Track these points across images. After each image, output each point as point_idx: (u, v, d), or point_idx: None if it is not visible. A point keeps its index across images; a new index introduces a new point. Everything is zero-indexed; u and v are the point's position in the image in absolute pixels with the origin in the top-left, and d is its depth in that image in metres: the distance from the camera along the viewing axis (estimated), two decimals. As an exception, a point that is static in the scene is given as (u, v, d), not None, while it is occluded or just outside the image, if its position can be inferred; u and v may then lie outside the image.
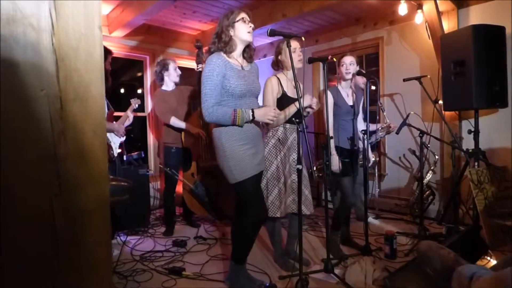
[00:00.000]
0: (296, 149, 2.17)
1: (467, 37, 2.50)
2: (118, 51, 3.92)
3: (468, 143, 2.91)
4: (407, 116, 2.84)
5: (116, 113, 3.13)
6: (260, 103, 2.18)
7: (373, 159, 3.41)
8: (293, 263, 2.30)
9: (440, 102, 3.06)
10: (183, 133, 3.20)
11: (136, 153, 3.46)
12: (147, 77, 4.36)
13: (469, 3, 3.12)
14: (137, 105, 3.21)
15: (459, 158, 3.15)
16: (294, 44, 2.17)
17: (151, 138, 4.34)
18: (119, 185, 1.89)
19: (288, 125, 2.22)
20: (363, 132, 2.46)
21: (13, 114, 0.72)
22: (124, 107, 3.16)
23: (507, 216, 2.25)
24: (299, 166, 1.80)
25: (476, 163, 2.65)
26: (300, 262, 1.88)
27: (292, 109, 2.17)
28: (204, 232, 3.16)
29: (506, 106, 2.69)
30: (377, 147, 3.74)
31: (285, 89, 2.23)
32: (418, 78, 2.78)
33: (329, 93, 2.38)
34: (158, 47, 4.33)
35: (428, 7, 3.05)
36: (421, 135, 2.62)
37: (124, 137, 2.94)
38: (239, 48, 1.92)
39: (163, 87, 3.24)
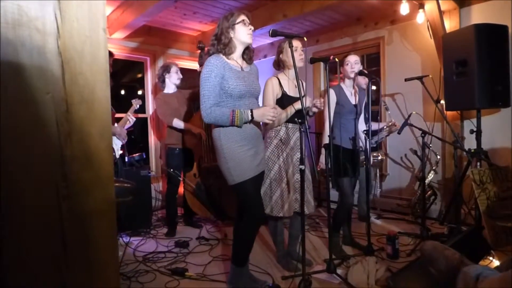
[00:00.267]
0: (300, 149, 2.17)
1: (469, 37, 2.50)
2: (118, 52, 3.92)
3: (470, 143, 2.91)
4: (409, 116, 2.84)
5: (117, 115, 3.13)
6: (261, 104, 2.18)
7: (380, 157, 3.42)
8: (296, 263, 2.31)
9: (442, 102, 3.06)
10: (186, 134, 3.21)
11: (137, 154, 3.46)
12: (148, 78, 4.37)
13: (471, 2, 3.11)
14: (138, 106, 3.22)
15: (461, 158, 3.15)
16: (296, 43, 2.18)
17: (152, 139, 4.35)
18: (122, 186, 1.89)
19: (290, 125, 2.22)
20: (365, 132, 2.46)
21: (20, 118, 0.72)
22: (124, 109, 3.17)
23: (509, 217, 2.24)
24: (302, 167, 1.80)
25: (478, 163, 2.65)
26: (303, 263, 1.88)
27: (292, 108, 2.17)
28: (206, 233, 3.16)
29: (509, 105, 2.68)
30: (379, 147, 3.74)
31: (285, 89, 2.23)
32: (419, 78, 2.78)
33: (331, 91, 2.38)
34: (158, 48, 4.34)
35: (430, 6, 3.04)
36: (423, 135, 2.62)
37: (126, 140, 2.95)
38: (239, 49, 1.92)
39: (165, 90, 3.26)
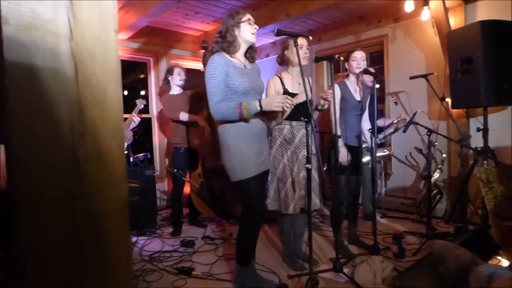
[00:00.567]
0: (305, 146, 2.17)
1: (475, 33, 2.48)
2: (121, 53, 3.94)
3: (476, 141, 2.90)
4: (414, 114, 2.82)
5: (121, 115, 3.14)
6: None
7: (387, 152, 3.42)
8: (301, 262, 2.31)
9: (447, 99, 3.04)
10: (190, 133, 3.23)
11: (142, 154, 3.47)
12: (151, 78, 4.38)
13: (476, -2, 3.10)
14: (142, 106, 3.24)
15: (467, 157, 3.13)
16: (301, 41, 2.18)
17: (156, 140, 4.36)
18: (129, 186, 1.90)
19: (294, 123, 2.22)
20: (370, 130, 2.45)
21: (34, 119, 0.72)
22: (127, 109, 3.18)
23: (516, 217, 2.23)
24: (308, 166, 1.80)
25: (485, 162, 2.64)
26: (310, 261, 1.88)
27: (296, 101, 2.13)
28: (211, 232, 3.17)
29: (515, 103, 2.67)
30: (385, 144, 3.73)
31: (288, 87, 2.24)
32: (424, 76, 2.76)
33: (336, 86, 2.38)
34: (161, 48, 4.35)
35: (435, 3, 3.03)
36: (428, 133, 2.61)
37: (131, 140, 2.97)
38: (242, 48, 1.92)
39: (170, 92, 3.32)
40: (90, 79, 0.80)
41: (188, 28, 4.30)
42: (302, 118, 1.84)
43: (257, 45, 1.99)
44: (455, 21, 3.13)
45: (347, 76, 2.54)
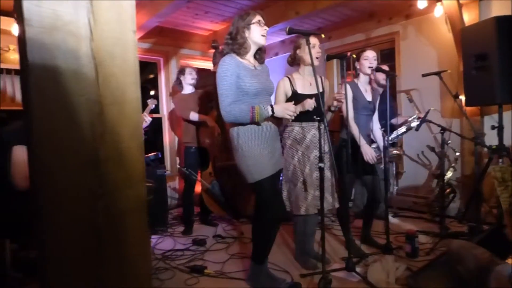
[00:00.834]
0: (317, 146, 2.16)
1: (490, 30, 2.43)
2: (133, 53, 3.97)
3: (490, 139, 2.84)
4: (427, 112, 2.78)
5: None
6: (273, 103, 2.18)
7: (396, 152, 3.39)
8: (314, 261, 2.31)
9: (461, 97, 2.99)
10: (200, 133, 3.25)
11: (153, 154, 3.51)
12: (161, 78, 4.41)
13: (490, -6, 3.04)
14: (154, 106, 3.27)
15: (481, 155, 3.08)
16: (313, 40, 2.16)
17: (167, 139, 4.40)
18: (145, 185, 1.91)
19: (304, 124, 2.21)
20: (383, 129, 2.43)
21: (57, 121, 0.74)
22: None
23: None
24: (321, 165, 1.79)
25: (500, 160, 2.59)
26: (323, 260, 1.88)
27: (299, 108, 2.12)
28: (222, 231, 3.18)
29: (531, 100, 2.60)
30: (396, 144, 3.69)
31: (298, 87, 2.22)
32: (438, 73, 2.72)
33: (348, 86, 2.36)
34: (171, 48, 4.37)
35: (449, -1, 2.98)
36: (442, 131, 2.57)
37: (142, 139, 2.99)
38: (252, 49, 1.93)
39: (182, 91, 3.36)
40: (109, 80, 0.81)
41: (197, 27, 4.32)
42: (314, 117, 1.83)
43: (266, 44, 1.98)
44: (469, 17, 3.07)
45: (357, 76, 2.51)
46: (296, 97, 2.16)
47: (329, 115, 2.35)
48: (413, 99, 3.50)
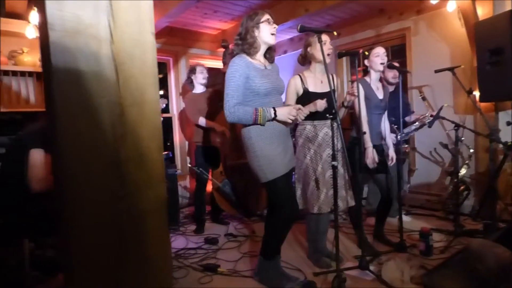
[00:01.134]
0: (329, 144, 2.15)
1: (505, 24, 2.38)
2: (143, 53, 4.00)
3: (505, 135, 2.79)
4: (440, 108, 2.74)
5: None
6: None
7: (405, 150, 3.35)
8: (326, 260, 2.30)
9: (475, 93, 2.94)
10: (211, 132, 3.26)
11: (164, 153, 3.53)
12: (171, 78, 4.44)
13: (504, -12, 2.97)
14: (164, 105, 3.29)
15: (496, 152, 3.02)
16: (324, 37, 2.14)
17: (177, 138, 4.43)
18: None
19: (316, 122, 2.19)
20: (396, 127, 2.40)
21: (79, 123, 0.75)
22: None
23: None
24: (335, 163, 1.78)
25: (516, 156, 2.54)
26: (337, 259, 1.87)
27: (310, 109, 2.09)
28: (233, 230, 3.20)
29: (548, 95, 2.54)
30: (408, 141, 3.65)
31: (309, 85, 2.21)
32: (451, 69, 2.67)
33: (359, 85, 2.33)
34: (180, 48, 4.39)
35: (461, -7, 2.93)
36: (456, 128, 2.53)
37: None
38: (262, 49, 1.93)
39: (194, 90, 3.36)
40: (129, 82, 0.82)
41: (206, 27, 4.33)
42: (327, 115, 1.82)
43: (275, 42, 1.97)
44: (483, 12, 3.00)
45: (368, 73, 2.48)
46: (307, 96, 2.15)
47: (342, 111, 2.33)
48: (426, 97, 3.45)
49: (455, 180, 2.74)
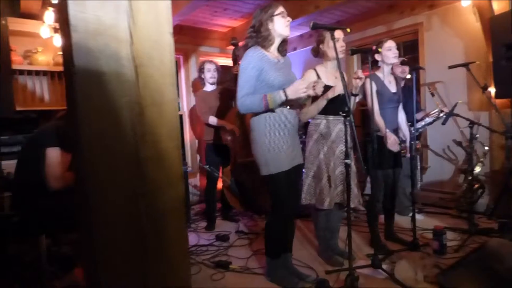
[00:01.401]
0: (342, 140, 2.13)
1: (523, 18, 2.33)
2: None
3: (522, 132, 2.72)
4: (455, 105, 2.69)
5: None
6: None
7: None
8: (338, 257, 2.29)
9: (490, 89, 2.88)
10: (221, 130, 3.27)
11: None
12: (181, 76, 4.46)
13: (521, -19, 2.89)
14: (175, 104, 3.31)
15: (511, 149, 2.96)
16: (337, 34, 2.12)
17: (187, 136, 4.46)
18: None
19: (331, 117, 2.18)
20: (409, 124, 2.37)
21: (101, 122, 0.76)
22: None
23: None
24: (348, 161, 1.77)
25: (533, 154, 2.48)
26: (350, 257, 1.86)
27: (324, 100, 2.09)
28: (244, 227, 3.21)
29: None
30: (419, 138, 3.60)
31: (324, 80, 2.19)
32: (465, 65, 2.62)
33: (370, 80, 2.29)
34: (190, 46, 4.41)
35: (476, -12, 2.86)
36: (470, 125, 2.49)
37: None
38: (276, 42, 1.92)
39: (204, 88, 3.37)
40: (148, 82, 0.83)
41: (216, 24, 4.33)
42: (340, 113, 1.80)
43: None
44: (499, 6, 2.93)
45: (378, 68, 2.44)
46: (324, 90, 2.12)
47: (352, 100, 2.27)
48: (434, 93, 3.39)
49: (470, 178, 2.70)
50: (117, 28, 0.78)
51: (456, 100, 3.13)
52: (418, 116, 3.24)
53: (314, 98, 2.11)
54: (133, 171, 0.80)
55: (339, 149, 2.16)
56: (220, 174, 3.39)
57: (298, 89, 1.76)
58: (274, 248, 2.02)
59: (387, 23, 3.94)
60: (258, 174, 1.95)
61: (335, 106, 2.06)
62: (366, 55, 2.09)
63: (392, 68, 2.68)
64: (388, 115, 2.37)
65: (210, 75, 3.28)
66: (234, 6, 3.77)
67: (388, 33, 3.94)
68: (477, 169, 3.10)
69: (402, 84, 3.00)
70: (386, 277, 2.03)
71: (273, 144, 1.85)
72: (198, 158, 4.43)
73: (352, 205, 2.16)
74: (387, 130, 2.24)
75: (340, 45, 2.12)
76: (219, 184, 3.42)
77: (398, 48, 2.41)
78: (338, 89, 2.00)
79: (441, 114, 2.94)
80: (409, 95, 2.60)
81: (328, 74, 2.23)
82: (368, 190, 3.37)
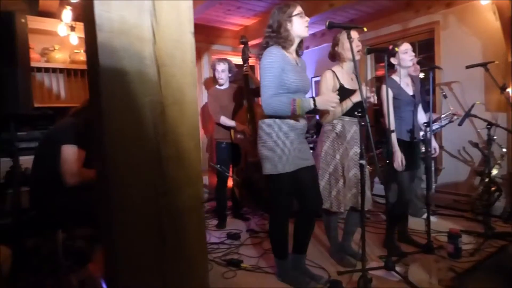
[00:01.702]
0: (357, 142, 2.11)
1: (545, 17, 2.26)
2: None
3: (542, 134, 2.66)
4: (472, 106, 2.64)
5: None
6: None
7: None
8: (352, 259, 2.27)
9: (508, 89, 2.81)
10: (232, 129, 3.27)
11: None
12: (194, 74, 4.48)
13: (543, -21, 2.81)
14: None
15: (531, 151, 2.89)
16: (353, 34, 2.09)
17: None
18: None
19: (347, 118, 2.15)
20: (425, 124, 2.33)
21: (125, 121, 0.77)
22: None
23: None
24: (363, 162, 1.75)
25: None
26: (363, 259, 1.84)
27: (348, 103, 2.10)
28: (254, 226, 3.22)
29: None
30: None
31: (342, 82, 2.17)
32: (484, 65, 2.56)
33: (388, 89, 2.25)
34: (203, 45, 4.43)
35: (496, -14, 2.79)
36: (488, 126, 2.43)
37: None
38: (296, 42, 1.90)
39: (217, 86, 3.36)
40: (170, 81, 0.84)
41: (229, 23, 4.34)
42: (356, 113, 1.78)
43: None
44: (519, 4, 2.86)
45: (395, 71, 2.40)
46: (342, 92, 2.08)
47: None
48: (447, 95, 3.32)
49: (486, 180, 2.64)
50: (140, 28, 0.79)
51: (472, 100, 3.07)
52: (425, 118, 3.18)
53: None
54: (154, 170, 0.81)
55: (353, 151, 2.14)
56: (230, 173, 3.39)
57: (329, 102, 1.76)
58: (277, 249, 2.03)
59: (402, 21, 3.88)
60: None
61: (351, 107, 2.04)
62: (382, 54, 2.06)
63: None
64: (407, 118, 2.33)
65: (218, 75, 3.26)
66: (247, 5, 3.76)
67: (403, 32, 3.88)
68: (494, 171, 3.04)
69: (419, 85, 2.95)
70: (399, 280, 2.00)
71: (283, 144, 1.85)
72: (207, 155, 4.45)
73: (366, 208, 2.13)
74: (396, 150, 2.21)
75: (356, 45, 2.08)
76: (229, 183, 3.43)
77: (413, 47, 2.37)
78: (359, 96, 1.98)
79: (454, 118, 2.89)
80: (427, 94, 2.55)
81: (345, 75, 2.20)
82: (376, 190, 3.33)
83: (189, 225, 0.87)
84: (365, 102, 1.77)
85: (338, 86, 2.14)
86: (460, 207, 3.32)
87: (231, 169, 3.41)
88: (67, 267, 2.22)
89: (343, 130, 2.15)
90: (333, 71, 2.17)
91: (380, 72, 4.43)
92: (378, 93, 2.27)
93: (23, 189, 2.25)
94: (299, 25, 1.83)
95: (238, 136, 3.33)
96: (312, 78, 4.88)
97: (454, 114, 2.89)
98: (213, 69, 3.32)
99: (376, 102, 2.14)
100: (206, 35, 4.38)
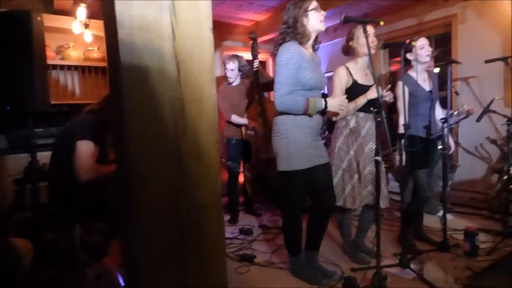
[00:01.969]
0: (373, 138, 2.08)
1: None
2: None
3: None
4: (491, 102, 2.57)
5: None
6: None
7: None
8: (365, 256, 2.25)
9: (529, 84, 2.72)
10: (243, 126, 3.27)
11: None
12: (205, 70, 4.49)
13: None
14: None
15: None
16: (369, 28, 2.05)
17: (210, 130, 4.49)
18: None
19: (361, 114, 2.11)
20: (442, 120, 2.27)
21: (145, 117, 0.78)
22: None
23: None
24: (378, 158, 1.73)
25: None
26: (377, 256, 1.83)
27: (362, 99, 2.06)
28: (266, 221, 3.22)
29: None
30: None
31: (355, 77, 2.14)
32: (504, 59, 2.49)
33: (404, 86, 2.19)
34: (214, 41, 4.37)
35: (516, -23, 2.70)
36: (508, 122, 2.37)
37: None
38: (312, 37, 1.87)
39: (227, 83, 3.35)
40: (189, 78, 0.84)
41: (240, 18, 4.32)
42: (371, 109, 1.76)
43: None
44: (542, -4, 2.76)
45: (411, 67, 2.35)
46: (356, 88, 2.06)
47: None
48: (461, 91, 3.24)
49: (504, 178, 2.57)
50: (160, 25, 0.79)
51: (491, 96, 2.98)
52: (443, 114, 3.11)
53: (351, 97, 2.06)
54: (174, 166, 0.82)
55: (368, 147, 2.11)
56: (242, 169, 3.39)
57: (338, 105, 1.79)
58: (290, 245, 2.04)
59: (418, 15, 3.79)
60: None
61: (366, 102, 2.01)
62: (396, 49, 2.02)
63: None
64: (424, 115, 2.27)
65: (228, 73, 3.24)
66: (259, 0, 3.74)
67: (418, 26, 3.79)
68: (513, 169, 2.96)
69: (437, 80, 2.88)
70: (414, 277, 1.98)
71: (299, 140, 1.85)
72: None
73: (382, 206, 2.10)
74: (396, 153, 2.17)
75: (371, 40, 2.04)
76: (240, 178, 3.43)
77: (429, 42, 2.31)
78: (373, 94, 1.96)
79: (470, 113, 2.80)
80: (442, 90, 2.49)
81: (359, 71, 2.17)
82: (390, 188, 3.28)
83: (207, 221, 0.88)
84: (381, 98, 1.74)
85: (351, 82, 2.11)
86: (476, 204, 3.25)
87: (242, 165, 3.41)
88: (83, 261, 2.27)
89: (357, 125, 2.12)
90: (347, 67, 2.14)
91: (394, 67, 4.35)
92: (393, 89, 2.23)
93: (41, 184, 2.30)
94: (315, 20, 1.80)
95: (248, 132, 3.32)
96: (324, 73, 4.83)
97: (468, 111, 2.80)
98: (224, 66, 3.31)
99: (392, 100, 2.11)
100: (217, 30, 4.34)
